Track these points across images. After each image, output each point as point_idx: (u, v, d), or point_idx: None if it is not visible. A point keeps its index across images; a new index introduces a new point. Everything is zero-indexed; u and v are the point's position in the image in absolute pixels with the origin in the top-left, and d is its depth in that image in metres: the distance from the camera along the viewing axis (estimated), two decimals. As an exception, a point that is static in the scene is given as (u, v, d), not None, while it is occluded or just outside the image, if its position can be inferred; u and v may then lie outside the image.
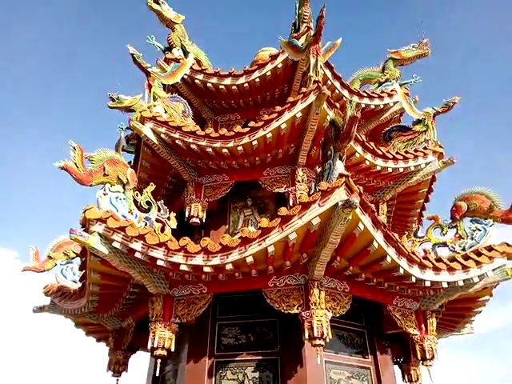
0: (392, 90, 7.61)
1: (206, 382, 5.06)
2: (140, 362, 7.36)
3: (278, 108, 5.57)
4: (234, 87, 6.77)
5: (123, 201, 4.90)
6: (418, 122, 7.27)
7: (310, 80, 5.57)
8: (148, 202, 5.24)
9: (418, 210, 7.61)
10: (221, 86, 6.76)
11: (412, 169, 6.52)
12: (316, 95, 5.35)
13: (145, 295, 5.22)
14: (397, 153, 6.41)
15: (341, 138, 4.17)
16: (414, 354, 5.53)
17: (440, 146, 6.82)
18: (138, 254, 4.39)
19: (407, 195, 7.23)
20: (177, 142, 5.75)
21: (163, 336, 4.72)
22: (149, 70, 6.05)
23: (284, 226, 4.20)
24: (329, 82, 6.84)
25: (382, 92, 7.55)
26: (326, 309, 4.64)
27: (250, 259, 4.29)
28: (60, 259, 6.78)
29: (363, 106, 7.29)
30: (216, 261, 4.35)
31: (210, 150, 5.74)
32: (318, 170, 5.10)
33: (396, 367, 7.12)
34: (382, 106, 7.49)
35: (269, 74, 6.61)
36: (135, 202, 5.09)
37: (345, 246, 4.48)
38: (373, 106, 7.38)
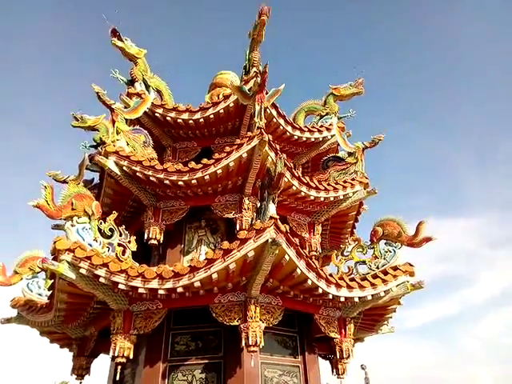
0: (330, 124, 8.77)
1: (159, 383, 5.97)
2: (101, 365, 8.11)
3: (228, 148, 6.49)
4: (190, 121, 7.60)
5: (89, 230, 5.63)
6: (351, 154, 8.51)
7: (254, 125, 6.53)
8: (111, 229, 6.00)
9: (350, 229, 8.89)
10: (179, 120, 7.57)
11: (341, 197, 7.71)
12: (259, 140, 6.33)
13: (106, 309, 5.99)
14: (328, 184, 7.58)
15: (272, 186, 5.19)
16: (335, 353, 6.76)
17: (366, 177, 8.08)
18: (102, 279, 5.19)
19: (339, 217, 8.45)
20: (137, 174, 6.52)
21: (123, 346, 5.54)
22: (113, 106, 6.72)
23: (226, 257, 5.18)
24: (274, 120, 7.86)
25: (321, 126, 8.68)
26: (261, 321, 5.67)
27: (197, 284, 5.24)
28: (26, 274, 7.30)
29: (304, 138, 8.42)
30: (169, 285, 5.25)
31: (167, 181, 6.56)
32: (258, 204, 6.10)
33: (327, 363, 8.44)
34: (321, 139, 8.64)
35: (222, 111, 7.50)
36: (99, 229, 5.84)
37: (275, 272, 5.54)
38: (313, 139, 8.50)
